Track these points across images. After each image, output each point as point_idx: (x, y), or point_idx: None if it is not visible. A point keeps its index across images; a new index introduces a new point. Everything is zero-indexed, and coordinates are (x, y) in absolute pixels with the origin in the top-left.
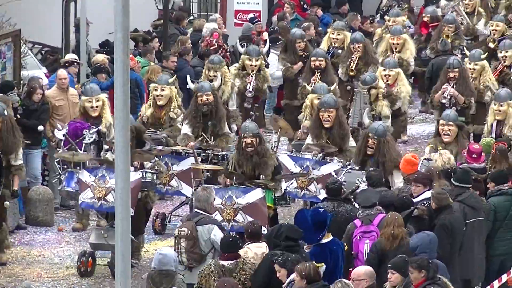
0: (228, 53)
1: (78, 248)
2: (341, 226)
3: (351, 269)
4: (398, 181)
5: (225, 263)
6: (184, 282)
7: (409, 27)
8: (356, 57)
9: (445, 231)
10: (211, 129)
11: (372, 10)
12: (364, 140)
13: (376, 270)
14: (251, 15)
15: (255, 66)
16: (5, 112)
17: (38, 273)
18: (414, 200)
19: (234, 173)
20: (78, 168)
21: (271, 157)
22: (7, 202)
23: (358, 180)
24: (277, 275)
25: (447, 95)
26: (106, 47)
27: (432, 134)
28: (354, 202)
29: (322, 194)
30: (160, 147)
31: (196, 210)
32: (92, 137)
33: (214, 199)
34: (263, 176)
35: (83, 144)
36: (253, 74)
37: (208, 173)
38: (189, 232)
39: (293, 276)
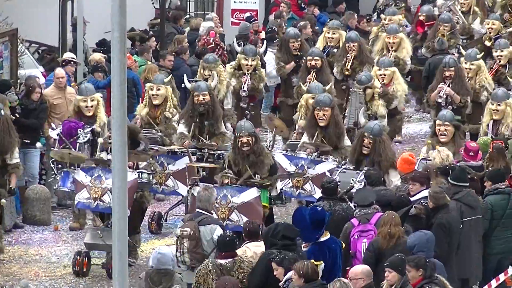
0: (225, 52)
1: (75, 247)
2: (338, 225)
3: (348, 268)
4: (394, 180)
5: (223, 261)
6: (182, 281)
7: (406, 26)
8: (351, 56)
9: (442, 231)
10: (207, 128)
11: (369, 9)
12: (360, 139)
13: (373, 269)
14: (247, 14)
15: (251, 66)
16: (2, 112)
17: (35, 272)
18: (412, 198)
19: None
20: (73, 167)
21: (267, 156)
22: (3, 200)
23: (352, 180)
24: (274, 274)
25: (443, 95)
26: (103, 46)
27: (429, 133)
28: (349, 202)
29: (317, 193)
30: (156, 147)
31: (197, 210)
32: (86, 137)
33: (216, 199)
34: (259, 175)
35: (78, 144)
36: (248, 74)
37: (204, 172)
38: (192, 232)
39: (289, 274)
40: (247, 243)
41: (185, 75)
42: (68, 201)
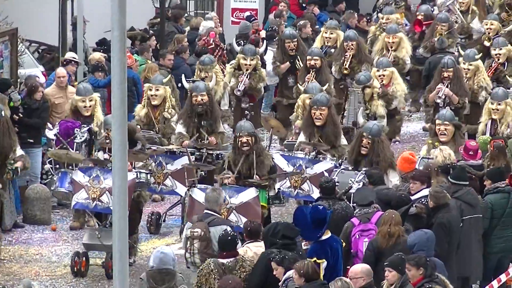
0: (225, 52)
1: (75, 246)
2: (338, 224)
3: (349, 267)
4: (393, 180)
5: (225, 261)
6: (184, 281)
7: (406, 24)
8: (350, 55)
9: (443, 230)
10: (206, 128)
11: (368, 8)
12: (358, 139)
13: (373, 268)
14: (247, 13)
15: (250, 65)
16: (2, 113)
17: (36, 272)
18: (412, 197)
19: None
20: (71, 167)
21: (267, 157)
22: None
23: (351, 180)
24: (274, 273)
25: (442, 95)
26: (103, 45)
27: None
28: (347, 202)
29: (315, 193)
30: (154, 147)
31: (206, 211)
32: (83, 136)
33: (224, 200)
34: (257, 176)
35: (75, 143)
36: (247, 73)
37: (203, 173)
38: (203, 233)
39: (288, 274)
40: (248, 243)
41: (183, 75)
42: (66, 201)
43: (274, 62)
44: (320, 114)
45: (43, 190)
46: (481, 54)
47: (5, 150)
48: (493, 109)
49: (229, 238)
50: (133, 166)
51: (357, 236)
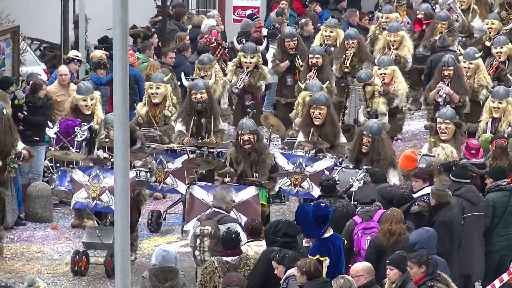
0: (226, 50)
1: (77, 244)
2: (339, 222)
3: (351, 265)
4: (393, 180)
5: (229, 259)
6: (186, 278)
7: (408, 23)
8: (350, 53)
9: (445, 228)
10: (205, 126)
11: (370, 6)
12: (359, 138)
13: (375, 266)
14: (249, 11)
15: (250, 63)
16: (4, 111)
17: (37, 269)
18: (414, 195)
19: (227, 172)
20: (71, 166)
21: (269, 156)
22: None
23: (352, 178)
24: (275, 272)
25: (442, 94)
26: (105, 43)
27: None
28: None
29: (316, 191)
30: (154, 145)
31: (214, 209)
32: (84, 134)
33: (232, 199)
34: (257, 174)
35: (75, 142)
36: (247, 71)
37: (204, 171)
38: (213, 230)
39: (289, 272)
40: (249, 241)
41: (182, 73)
42: (67, 200)
43: (273, 60)
44: (319, 113)
45: (45, 188)
46: (481, 53)
47: (6, 149)
48: (494, 108)
49: (233, 236)
50: (132, 164)
51: (360, 234)
